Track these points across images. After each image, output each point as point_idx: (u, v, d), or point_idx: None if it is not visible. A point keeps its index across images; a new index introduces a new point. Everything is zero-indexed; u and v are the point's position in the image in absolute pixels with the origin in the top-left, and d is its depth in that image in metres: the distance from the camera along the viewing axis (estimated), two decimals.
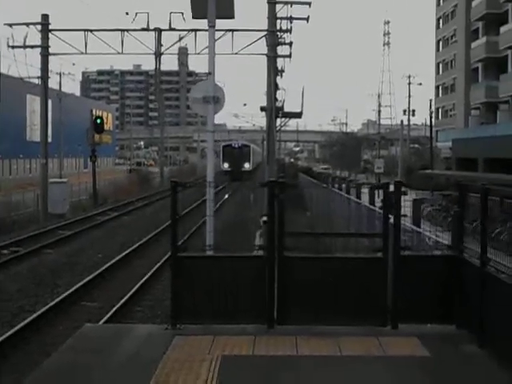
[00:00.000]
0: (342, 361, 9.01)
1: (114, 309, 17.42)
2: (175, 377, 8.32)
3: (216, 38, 35.68)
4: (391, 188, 10.72)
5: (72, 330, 13.11)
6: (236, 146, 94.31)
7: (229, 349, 9.36)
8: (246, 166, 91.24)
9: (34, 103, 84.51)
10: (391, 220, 10.53)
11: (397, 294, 10.29)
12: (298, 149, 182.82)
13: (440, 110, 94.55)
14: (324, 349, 9.37)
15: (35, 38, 41.23)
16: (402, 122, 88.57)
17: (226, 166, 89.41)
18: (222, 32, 36.88)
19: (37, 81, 43.65)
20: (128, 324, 14.70)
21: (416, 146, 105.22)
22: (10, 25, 40.11)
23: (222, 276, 10.41)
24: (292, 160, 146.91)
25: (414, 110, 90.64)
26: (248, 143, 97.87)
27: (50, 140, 46.95)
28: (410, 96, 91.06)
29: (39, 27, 40.81)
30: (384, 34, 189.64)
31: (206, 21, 14.50)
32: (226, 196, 47.02)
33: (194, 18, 14.19)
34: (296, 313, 10.34)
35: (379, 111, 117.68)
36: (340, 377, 8.59)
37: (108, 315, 16.71)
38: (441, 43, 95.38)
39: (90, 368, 8.71)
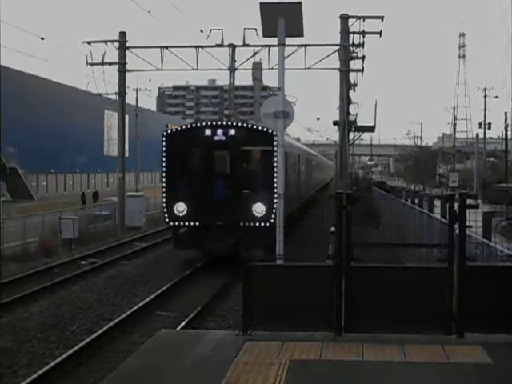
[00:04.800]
0: (406, 366, 9.25)
1: (188, 318, 17.91)
2: (245, 379, 8.70)
3: (289, 53, 36.89)
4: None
5: (147, 338, 13.54)
6: (222, 135, 26.00)
7: (297, 354, 9.69)
8: (259, 210, 24.46)
9: (111, 119, 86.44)
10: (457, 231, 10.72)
11: (462, 304, 10.46)
12: (372, 163, 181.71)
13: None
14: (389, 355, 9.62)
15: (113, 55, 42.36)
16: (477, 135, 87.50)
17: (178, 209, 25.96)
18: (295, 47, 37.33)
19: (114, 97, 44.71)
20: (201, 330, 15.11)
21: (492, 159, 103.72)
22: (89, 42, 41.28)
23: (291, 285, 10.74)
24: (370, 174, 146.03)
25: (489, 123, 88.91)
26: (267, 127, 24.51)
27: (126, 154, 47.86)
28: (485, 109, 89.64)
29: (117, 45, 41.86)
30: (459, 47, 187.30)
31: None
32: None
33: (264, 36, 14.68)
34: (363, 321, 10.59)
35: (455, 124, 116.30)
36: (404, 381, 8.85)
37: (182, 324, 17.19)
38: None
39: (164, 370, 9.15)
